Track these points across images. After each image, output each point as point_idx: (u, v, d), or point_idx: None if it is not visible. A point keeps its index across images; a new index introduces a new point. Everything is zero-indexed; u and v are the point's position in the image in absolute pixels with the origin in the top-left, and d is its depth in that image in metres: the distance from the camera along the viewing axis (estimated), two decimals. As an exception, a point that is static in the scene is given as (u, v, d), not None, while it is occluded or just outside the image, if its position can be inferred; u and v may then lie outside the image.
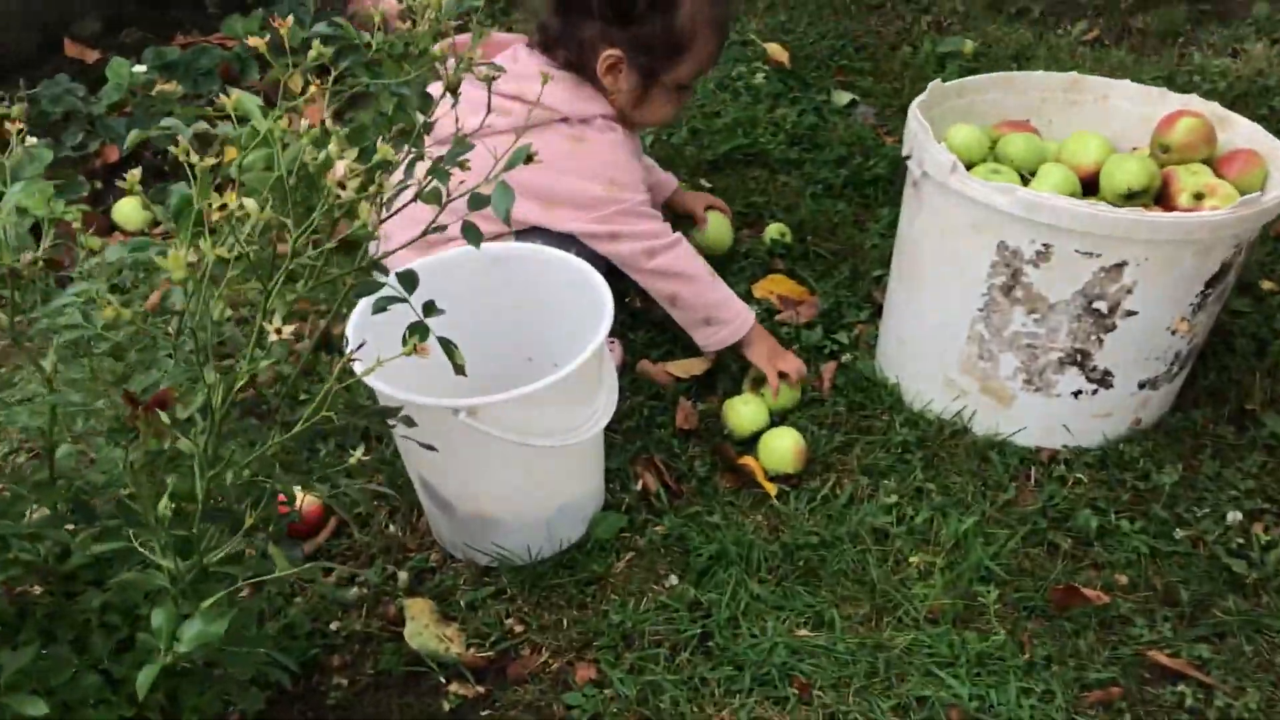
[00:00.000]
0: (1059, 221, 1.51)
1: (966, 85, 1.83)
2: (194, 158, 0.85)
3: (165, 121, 0.99)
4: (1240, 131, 1.75)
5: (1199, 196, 1.62)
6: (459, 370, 1.20)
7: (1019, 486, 1.67)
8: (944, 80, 1.81)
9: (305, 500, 1.62)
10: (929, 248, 1.68)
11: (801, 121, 2.46)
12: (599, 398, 1.49)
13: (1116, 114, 1.84)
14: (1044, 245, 1.55)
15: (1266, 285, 2.03)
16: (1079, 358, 1.65)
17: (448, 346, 1.20)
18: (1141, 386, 1.69)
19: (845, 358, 1.89)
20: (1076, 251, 1.54)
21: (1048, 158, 1.74)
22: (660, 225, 1.74)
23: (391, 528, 1.65)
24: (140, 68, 2.42)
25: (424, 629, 1.47)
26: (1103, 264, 1.54)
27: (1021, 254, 1.57)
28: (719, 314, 1.77)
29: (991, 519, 1.61)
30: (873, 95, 2.61)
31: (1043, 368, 1.67)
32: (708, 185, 2.31)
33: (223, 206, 0.76)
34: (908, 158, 1.67)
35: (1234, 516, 1.61)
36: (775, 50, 2.66)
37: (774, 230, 2.14)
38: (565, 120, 1.69)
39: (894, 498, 1.64)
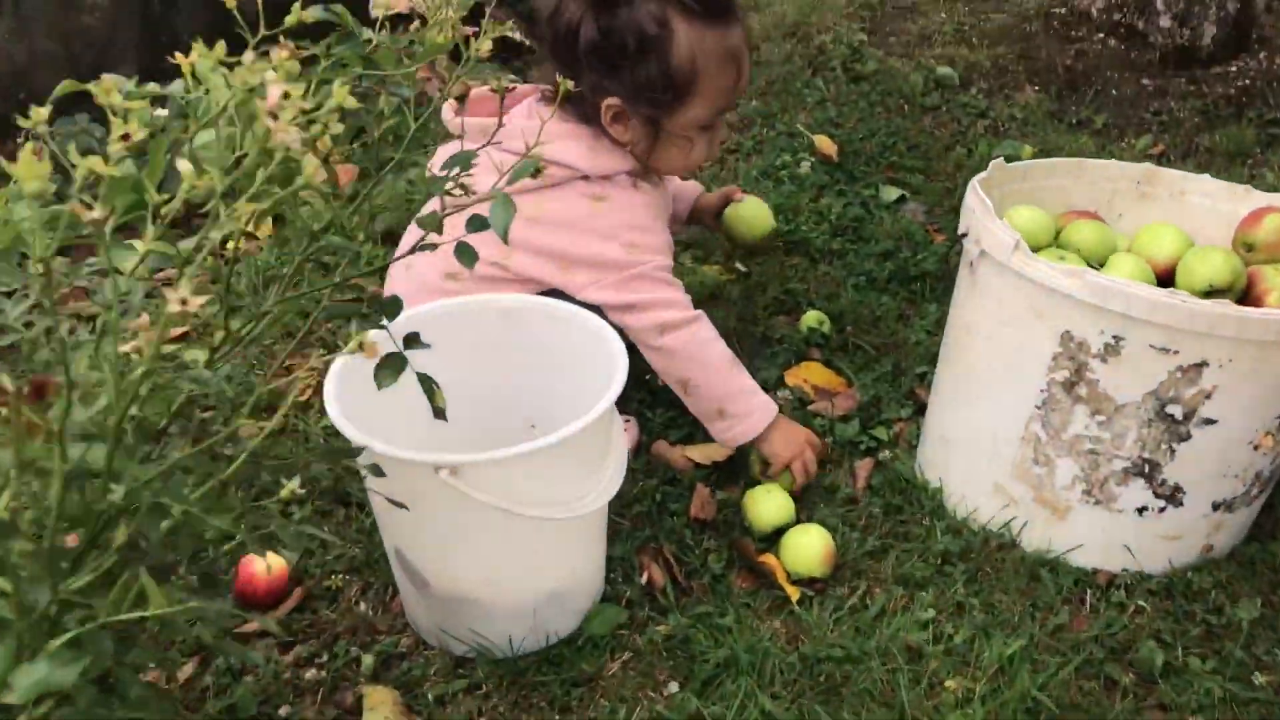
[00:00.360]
0: (1134, 311, 1.34)
1: (1032, 168, 1.69)
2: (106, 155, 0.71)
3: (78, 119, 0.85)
4: (1328, 229, 1.59)
5: (1290, 297, 1.46)
6: (438, 414, 1.04)
7: (1072, 611, 1.47)
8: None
9: (270, 565, 1.45)
10: (983, 335, 1.52)
11: (846, 213, 2.32)
12: (603, 470, 1.32)
13: (1194, 210, 1.69)
14: (1114, 338, 1.38)
15: (1351, 413, 1.84)
16: (1147, 469, 1.46)
17: (427, 384, 1.04)
18: (1215, 508, 1.50)
19: (883, 455, 1.71)
20: (1151, 347, 1.37)
21: (1118, 248, 1.59)
22: (678, 295, 1.58)
23: (362, 605, 1.47)
24: (162, 111, 2.33)
25: (383, 721, 1.28)
26: (1180, 363, 1.37)
27: (1088, 346, 1.40)
28: (734, 407, 1.58)
29: (1041, 644, 1.41)
30: (923, 193, 2.48)
31: (1105, 478, 1.48)
32: (743, 270, 2.17)
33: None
34: (963, 235, 1.52)
35: (1323, 663, 1.41)
36: (823, 143, 2.55)
37: (811, 318, 1.98)
38: (585, 178, 1.55)
39: (931, 612, 1.44)
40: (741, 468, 1.67)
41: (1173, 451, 1.44)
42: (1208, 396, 1.39)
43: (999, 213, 1.56)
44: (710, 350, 1.58)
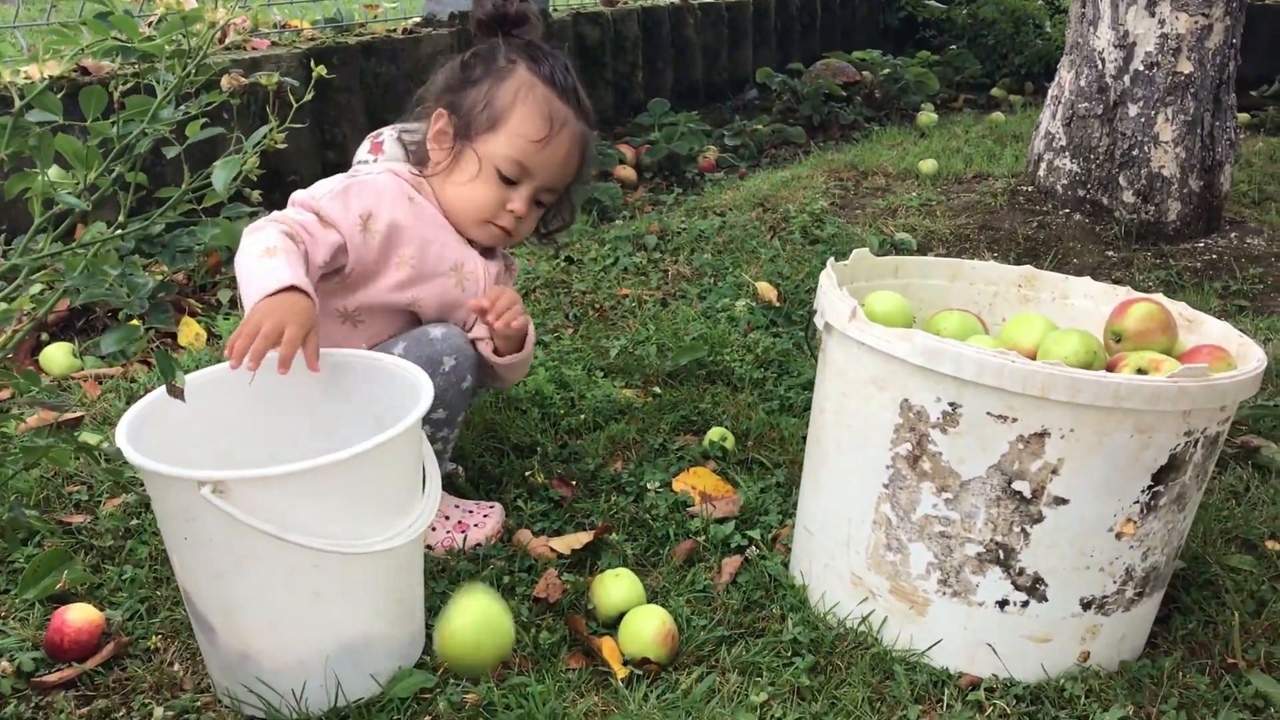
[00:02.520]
0: (964, 373, 1.30)
1: (905, 264, 1.68)
2: None
3: None
4: (1211, 331, 1.54)
5: (1142, 371, 1.40)
6: (173, 391, 1.03)
7: (924, 710, 1.36)
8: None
9: (80, 617, 1.40)
10: (831, 412, 1.48)
11: (774, 347, 2.31)
12: (408, 508, 1.28)
13: (1076, 312, 1.66)
14: (951, 404, 1.33)
15: (1272, 545, 1.73)
16: (1002, 555, 1.38)
17: (164, 360, 1.03)
18: (1086, 607, 1.40)
19: (752, 552, 1.64)
20: (989, 414, 1.32)
21: (981, 334, 1.55)
22: (293, 217, 1.48)
23: (176, 666, 1.41)
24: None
25: (149, 769, 1.21)
26: (1020, 431, 1.31)
27: (927, 415, 1.35)
28: (243, 290, 1.38)
29: (877, 734, 1.30)
30: (863, 339, 2.46)
31: (960, 565, 1.40)
32: (658, 391, 2.15)
33: None
34: (812, 314, 1.50)
35: (1188, 767, 1.27)
36: (764, 288, 2.57)
37: (715, 434, 1.95)
38: (363, 163, 1.71)
39: (764, 696, 1.34)
40: (605, 556, 1.61)
41: (1026, 535, 1.36)
42: (1055, 472, 1.32)
43: (861, 301, 1.54)
44: (258, 235, 1.41)
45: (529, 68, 1.61)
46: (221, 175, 0.97)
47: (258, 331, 1.28)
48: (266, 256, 1.37)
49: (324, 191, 1.55)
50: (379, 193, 1.58)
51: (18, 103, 0.98)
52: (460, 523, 1.64)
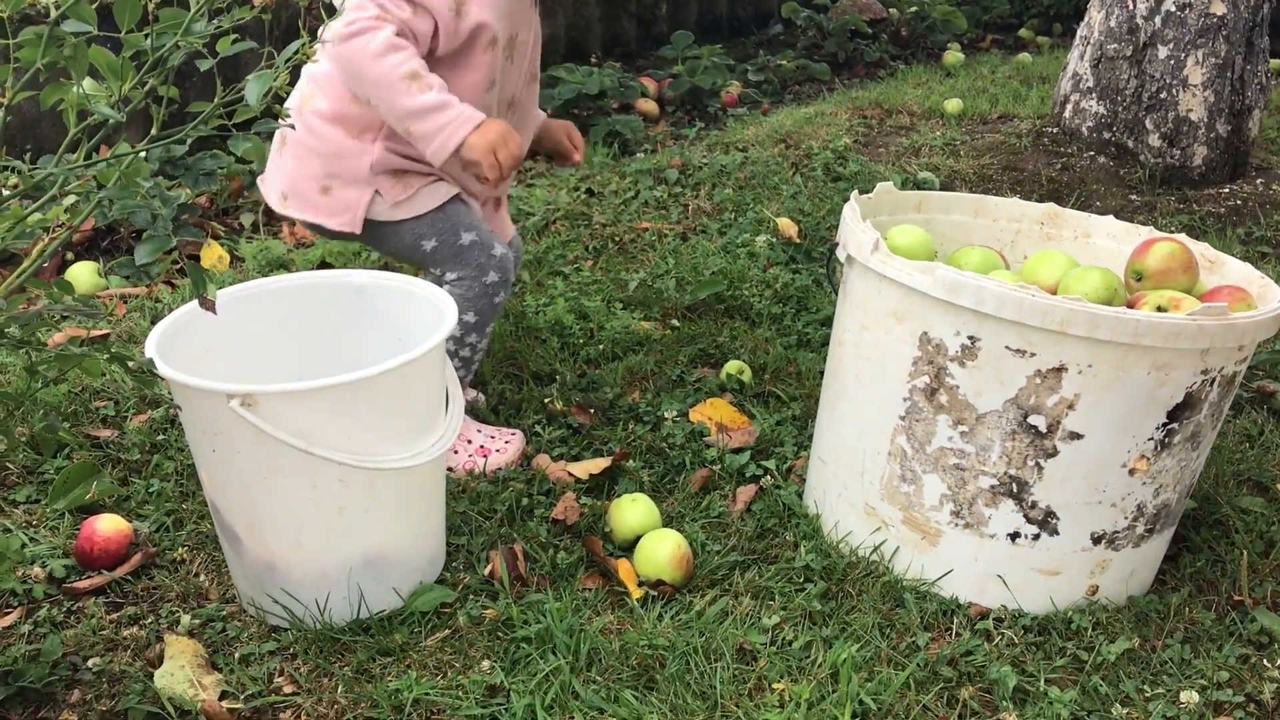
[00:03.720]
0: (985, 306, 1.31)
1: (929, 199, 1.68)
2: None
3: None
4: (1232, 272, 1.54)
5: (1161, 309, 1.41)
6: (205, 303, 1.05)
7: (933, 637, 1.39)
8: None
9: (109, 527, 1.44)
10: (849, 344, 1.49)
11: (794, 282, 2.31)
12: (430, 429, 1.30)
13: (1098, 251, 1.66)
14: (969, 338, 1.34)
15: (1284, 487, 1.75)
16: (1015, 488, 1.39)
17: (195, 271, 1.04)
18: (1097, 541, 1.42)
19: (766, 482, 1.66)
20: (1007, 348, 1.33)
21: (1003, 269, 1.56)
22: (374, 7, 1.45)
23: (201, 576, 1.45)
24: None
25: (178, 670, 1.24)
26: (1038, 366, 1.32)
27: (945, 348, 1.36)
28: (418, 126, 1.47)
29: (885, 657, 1.33)
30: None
31: (973, 497, 1.41)
32: (676, 324, 2.16)
33: None
34: (834, 246, 1.51)
35: (1191, 697, 1.30)
36: (785, 224, 2.56)
37: (732, 367, 1.96)
38: None
39: (776, 619, 1.37)
40: (622, 482, 1.64)
41: (1040, 469, 1.38)
42: (1070, 407, 1.34)
43: (883, 234, 1.54)
44: (379, 65, 1.44)
45: None
46: (254, 89, 0.98)
47: (508, 162, 1.49)
48: (417, 86, 1.44)
49: None
50: None
51: (53, 12, 0.99)
52: (482, 447, 1.66)
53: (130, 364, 1.10)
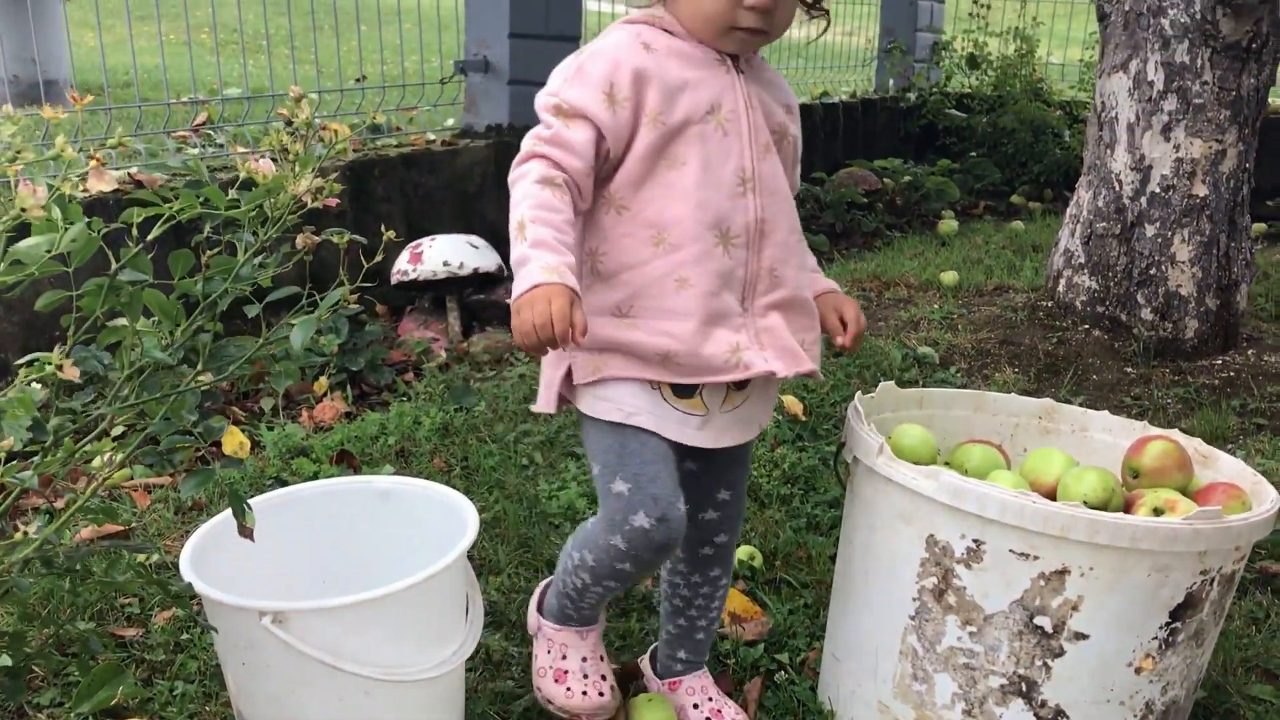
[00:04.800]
0: (988, 512, 1.36)
1: (930, 396, 1.75)
2: None
3: None
4: (1226, 467, 1.60)
5: (1158, 512, 1.46)
6: (244, 532, 1.10)
7: (951, 840, 1.40)
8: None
9: (133, 733, 1.46)
10: (859, 544, 1.53)
11: (800, 462, 2.37)
12: (450, 637, 1.34)
13: (1094, 445, 1.71)
14: (975, 541, 1.39)
15: (1293, 674, 1.77)
16: (1024, 687, 1.42)
17: (237, 502, 1.10)
18: (1108, 740, 1.44)
19: (780, 677, 1.68)
20: (1011, 551, 1.37)
21: (1004, 469, 1.61)
22: (543, 131, 1.31)
23: (223, 784, 1.46)
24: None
25: None
26: (1042, 569, 1.37)
27: (952, 550, 1.41)
28: (516, 272, 1.24)
29: None
30: (887, 455, 2.52)
31: (983, 696, 1.44)
32: (687, 508, 2.20)
33: None
34: (842, 445, 1.57)
35: None
36: (791, 403, 2.63)
37: (743, 552, 2.00)
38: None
39: (791, 825, 1.38)
40: (632, 680, 1.66)
41: (1048, 668, 1.41)
42: (1075, 608, 1.37)
43: (887, 434, 1.60)
44: (516, 198, 1.28)
45: None
46: (299, 336, 1.06)
47: (529, 329, 1.18)
48: (520, 237, 1.23)
49: (560, 80, 1.32)
50: (613, 56, 1.31)
51: (112, 263, 1.07)
52: (566, 673, 1.47)
53: (170, 591, 1.15)
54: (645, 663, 1.67)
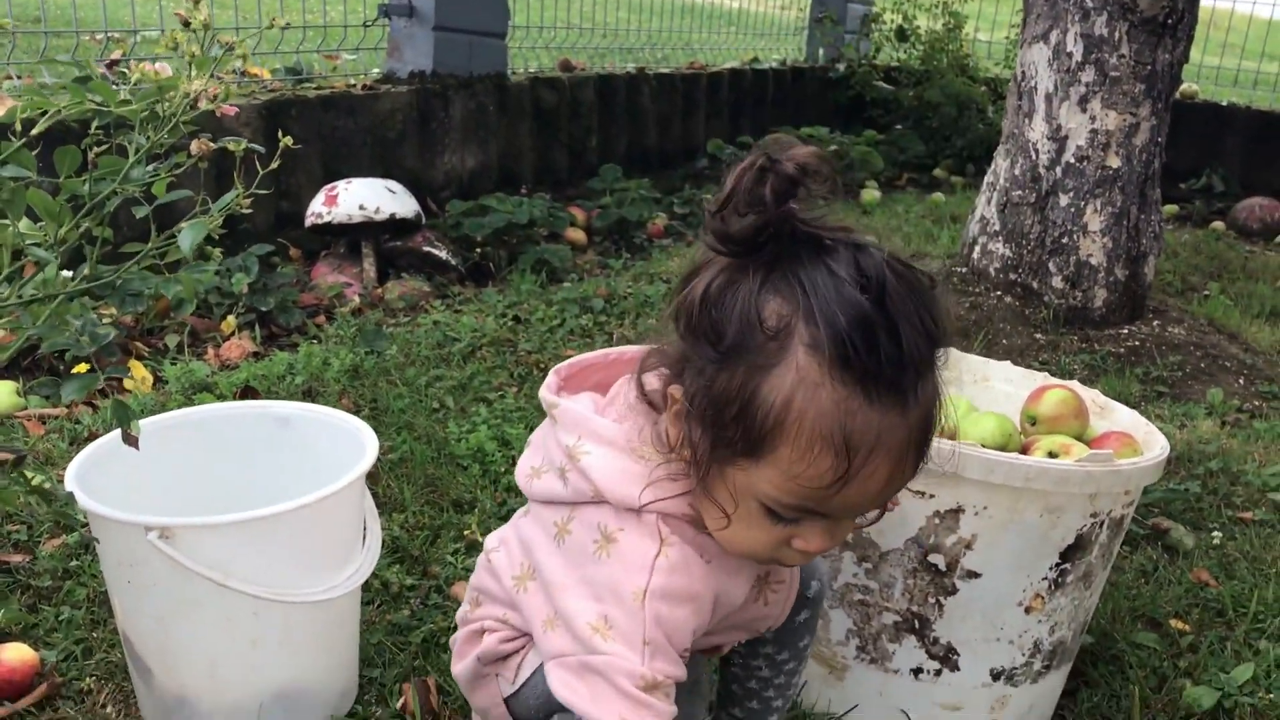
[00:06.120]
0: (886, 450, 1.37)
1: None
2: None
3: None
4: (1121, 418, 1.63)
5: (1053, 455, 1.49)
6: (128, 439, 1.07)
7: (839, 772, 1.42)
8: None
9: (15, 656, 1.42)
10: (761, 481, 1.54)
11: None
12: (344, 563, 1.32)
13: (995, 395, 1.74)
14: (873, 479, 1.40)
15: (1176, 624, 1.82)
16: (917, 624, 1.44)
17: (120, 409, 1.07)
18: (996, 677, 1.47)
19: None
20: (908, 490, 1.38)
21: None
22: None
23: (109, 708, 1.43)
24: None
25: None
26: (936, 507, 1.39)
27: (850, 488, 1.42)
28: None
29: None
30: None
31: (877, 633, 1.46)
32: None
33: None
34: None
35: (1084, 834, 1.34)
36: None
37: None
38: (604, 504, 1.04)
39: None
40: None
41: (940, 606, 1.43)
42: (968, 547, 1.40)
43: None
44: None
45: (812, 349, 0.90)
46: (189, 237, 1.03)
47: None
48: None
49: (631, 638, 0.99)
50: (692, 594, 1.03)
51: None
52: None
53: (50, 499, 1.11)
54: None
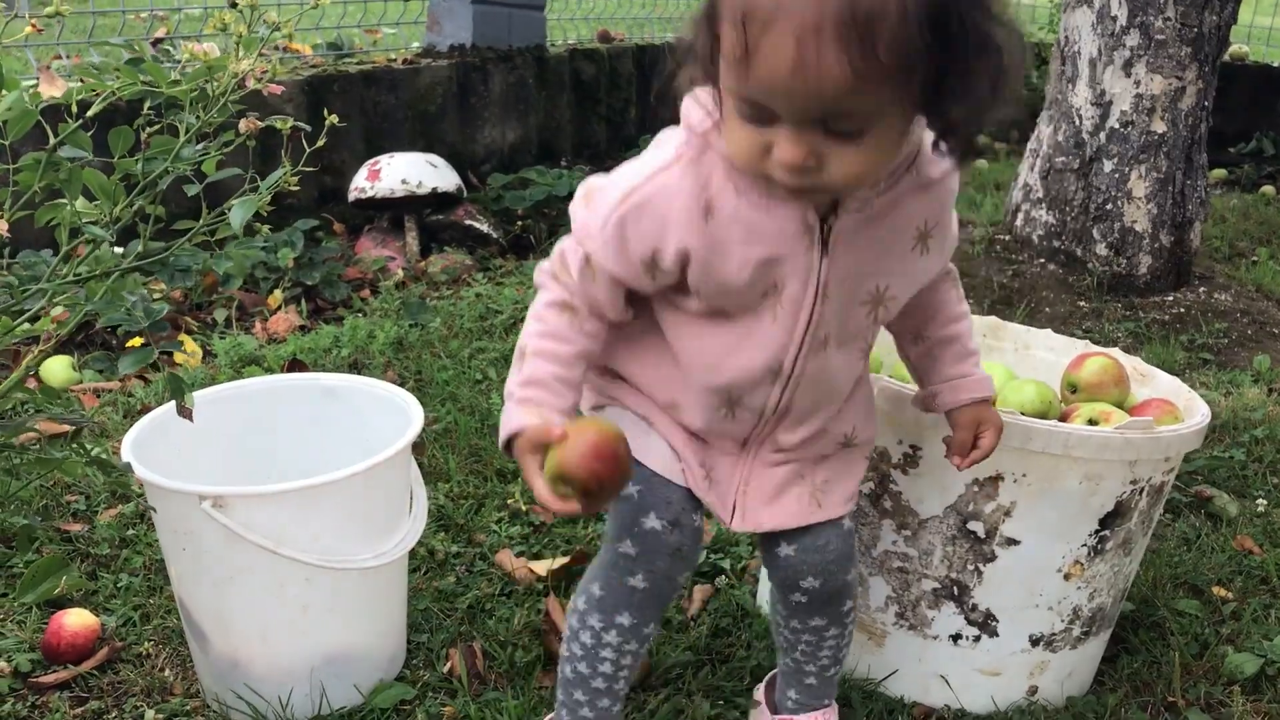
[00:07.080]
0: (924, 418, 1.38)
1: (876, 312, 1.76)
2: None
3: None
4: (1162, 385, 1.63)
5: (1093, 423, 1.49)
6: (182, 411, 1.10)
7: (879, 736, 1.44)
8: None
9: (76, 621, 1.47)
10: (801, 450, 1.55)
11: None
12: (392, 530, 1.35)
13: (1036, 362, 1.74)
14: (912, 447, 1.42)
15: (1218, 591, 1.82)
16: (956, 591, 1.46)
17: (174, 382, 1.10)
18: (1035, 643, 1.48)
19: (722, 581, 1.71)
20: (947, 458, 1.40)
21: (945, 382, 1.63)
22: (556, 277, 1.16)
23: (167, 671, 1.48)
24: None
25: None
26: (976, 475, 1.40)
27: (889, 456, 1.44)
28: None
29: (829, 756, 1.37)
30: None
31: (916, 599, 1.48)
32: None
33: None
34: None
35: (1123, 798, 1.35)
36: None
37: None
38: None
39: (716, 711, 1.42)
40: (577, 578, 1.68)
41: (979, 573, 1.44)
42: (1007, 514, 1.41)
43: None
44: (528, 332, 1.17)
45: None
46: (239, 214, 1.05)
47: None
48: (516, 365, 1.16)
49: (596, 225, 1.11)
50: (663, 215, 1.09)
51: (51, 138, 1.06)
52: None
53: (109, 469, 1.15)
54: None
